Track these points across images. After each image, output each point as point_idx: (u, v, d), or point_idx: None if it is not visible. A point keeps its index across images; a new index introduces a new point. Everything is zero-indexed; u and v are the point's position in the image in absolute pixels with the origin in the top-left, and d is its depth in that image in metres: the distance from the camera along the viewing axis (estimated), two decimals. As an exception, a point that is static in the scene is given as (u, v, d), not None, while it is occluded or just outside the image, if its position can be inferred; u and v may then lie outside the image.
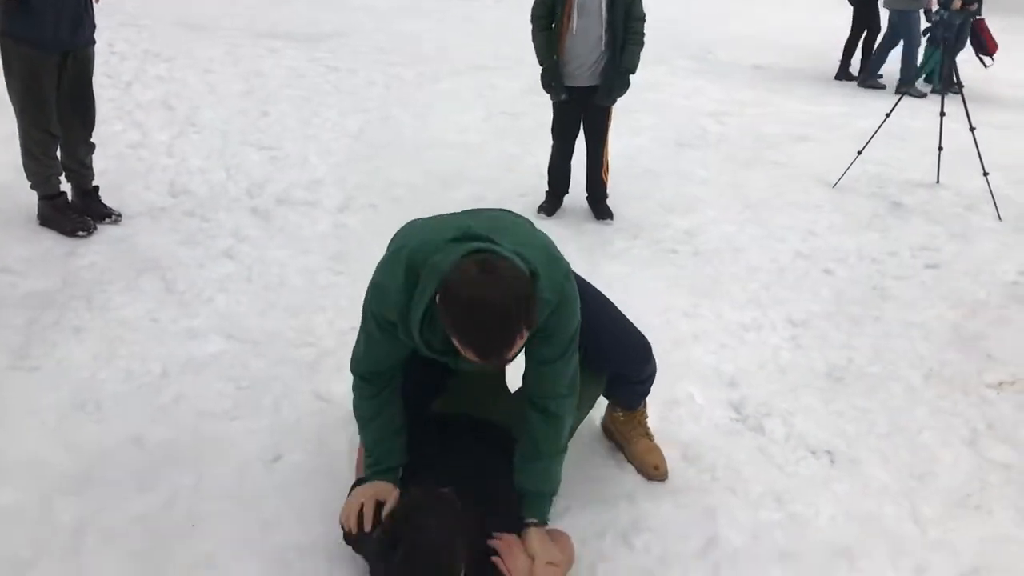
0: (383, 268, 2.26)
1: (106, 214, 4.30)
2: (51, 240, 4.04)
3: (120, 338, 3.31)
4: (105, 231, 4.21)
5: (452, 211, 2.50)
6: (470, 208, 2.61)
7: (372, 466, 2.41)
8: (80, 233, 4.10)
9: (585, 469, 2.54)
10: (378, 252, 4.31)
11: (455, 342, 2.01)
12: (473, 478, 2.31)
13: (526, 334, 2.02)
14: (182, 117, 5.92)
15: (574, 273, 2.37)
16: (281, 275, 4.00)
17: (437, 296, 2.04)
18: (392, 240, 2.34)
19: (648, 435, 2.92)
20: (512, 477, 2.39)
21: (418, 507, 2.13)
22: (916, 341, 3.86)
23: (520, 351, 2.09)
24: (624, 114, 7.01)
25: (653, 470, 2.83)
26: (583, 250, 4.53)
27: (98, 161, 4.93)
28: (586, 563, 2.47)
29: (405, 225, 2.36)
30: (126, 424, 2.86)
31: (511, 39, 8.80)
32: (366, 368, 2.39)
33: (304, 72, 7.35)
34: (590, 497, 2.69)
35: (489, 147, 6.03)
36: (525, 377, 2.37)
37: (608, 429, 2.98)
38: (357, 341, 2.41)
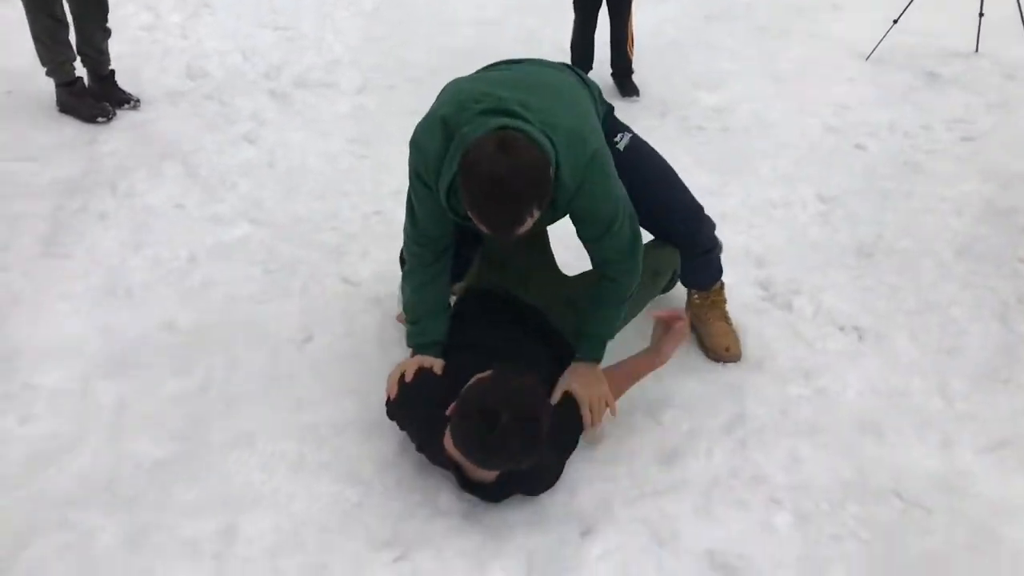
0: (422, 128, 2.27)
1: (124, 99, 4.23)
2: (72, 128, 4.00)
3: (146, 224, 3.32)
4: (125, 117, 4.17)
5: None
6: (509, 60, 2.57)
7: (417, 337, 2.44)
8: (100, 119, 4.05)
9: (615, 353, 2.56)
10: (397, 134, 4.26)
11: (469, 214, 2.08)
12: (512, 359, 2.32)
13: (536, 214, 2.07)
14: (195, -2, 5.75)
15: (633, 136, 2.55)
16: (303, 159, 3.96)
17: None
18: (437, 96, 2.35)
19: (726, 318, 2.92)
20: (548, 364, 2.42)
21: (505, 378, 2.13)
22: (948, 216, 3.79)
23: (532, 227, 2.11)
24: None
25: (724, 351, 2.85)
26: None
27: (113, 45, 4.85)
28: (614, 438, 2.51)
29: (449, 84, 2.35)
30: (158, 309, 2.90)
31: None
32: (419, 234, 2.41)
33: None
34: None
35: (508, 23, 5.83)
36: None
37: (689, 317, 2.92)
38: (407, 209, 2.40)
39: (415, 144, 2.28)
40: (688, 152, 4.30)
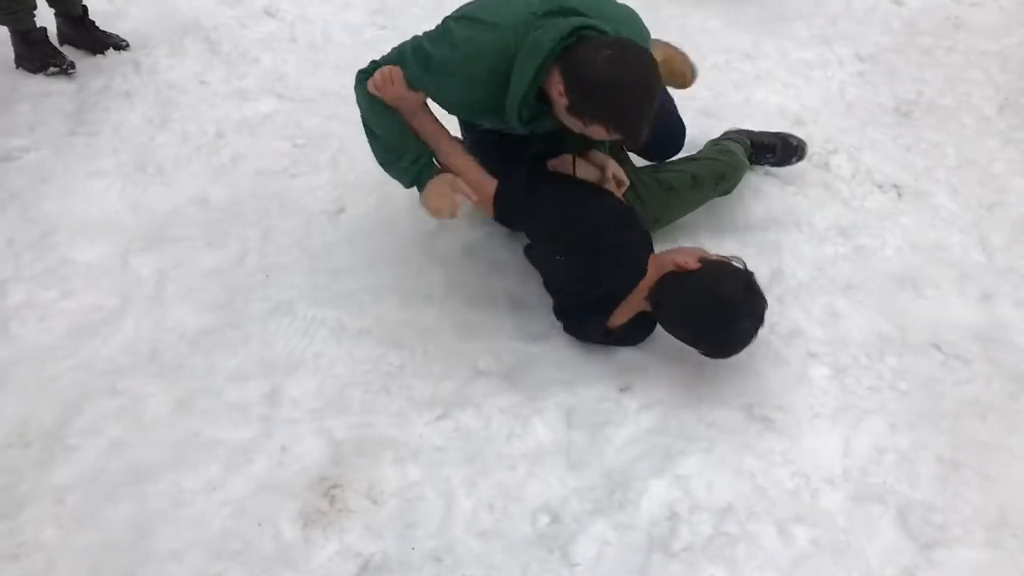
0: (449, 54, 2.13)
1: (109, 43, 3.55)
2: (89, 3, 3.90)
3: (172, 101, 3.28)
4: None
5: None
6: None
7: (416, 163, 2.34)
8: (52, 70, 3.35)
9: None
10: (423, 2, 4.16)
11: (590, 124, 2.02)
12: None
13: None
14: None
15: None
16: (325, 32, 3.86)
17: (555, 78, 2.01)
18: (457, 13, 2.21)
19: None
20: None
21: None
22: (991, 71, 3.67)
23: None
24: None
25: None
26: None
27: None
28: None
29: None
30: (189, 184, 2.89)
31: None
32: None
33: None
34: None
35: None
36: None
37: None
38: (419, 54, 2.21)
39: (440, 66, 2.15)
40: (722, 12, 4.16)
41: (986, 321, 2.49)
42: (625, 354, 2.36)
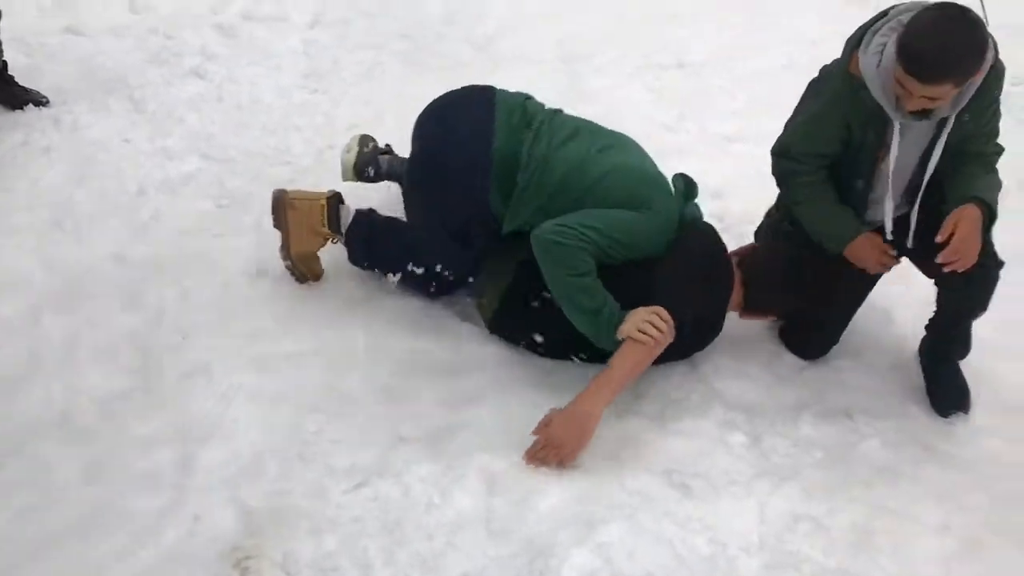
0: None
1: (29, 99, 3.47)
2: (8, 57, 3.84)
3: (92, 158, 3.22)
4: (67, 46, 4.00)
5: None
6: None
7: (613, 310, 2.36)
8: None
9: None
10: (352, 68, 4.20)
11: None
12: None
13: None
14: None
15: None
16: (253, 93, 3.86)
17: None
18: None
19: None
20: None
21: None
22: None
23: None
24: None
25: None
26: (562, 63, 4.41)
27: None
28: (568, 366, 2.52)
29: None
30: (106, 242, 2.83)
31: None
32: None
33: None
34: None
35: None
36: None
37: None
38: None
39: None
40: (647, 88, 4.29)
41: (896, 388, 2.57)
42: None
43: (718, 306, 2.51)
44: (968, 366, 2.64)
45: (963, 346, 2.61)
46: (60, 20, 4.18)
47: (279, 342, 2.53)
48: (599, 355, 2.36)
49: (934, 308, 2.55)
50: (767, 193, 3.48)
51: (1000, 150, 2.38)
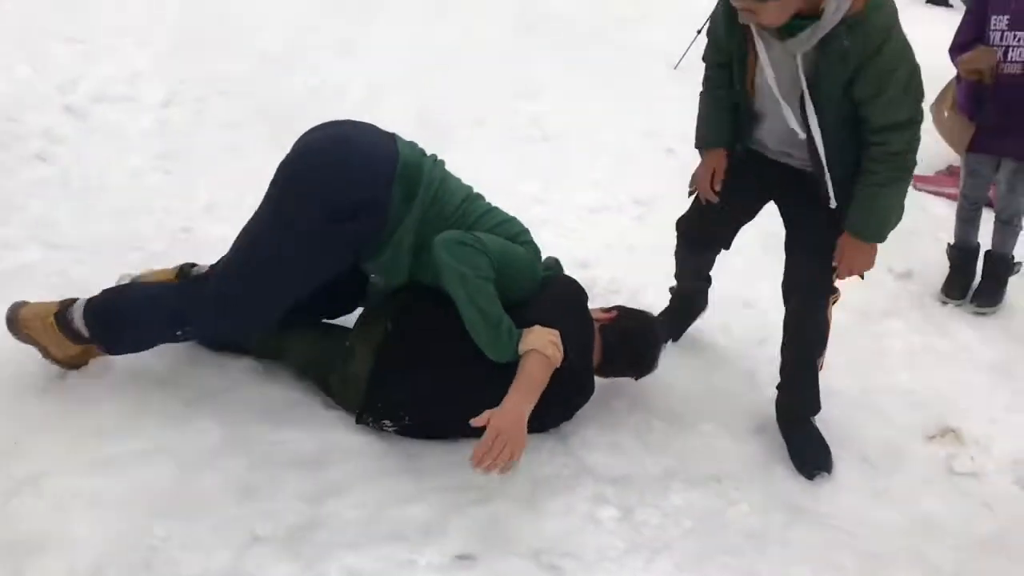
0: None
1: None
2: None
3: (-84, 253, 2.99)
4: None
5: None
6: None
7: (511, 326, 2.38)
8: None
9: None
10: (208, 148, 4.08)
11: None
12: None
13: None
14: (-21, 9, 5.30)
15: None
16: (102, 177, 3.69)
17: None
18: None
19: None
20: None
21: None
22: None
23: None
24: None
25: None
26: (424, 138, 4.41)
27: None
28: (430, 444, 2.46)
29: None
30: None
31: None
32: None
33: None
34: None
35: (325, 29, 5.70)
36: None
37: None
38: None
39: None
40: (510, 161, 4.34)
41: (761, 452, 2.60)
42: (415, 510, 2.27)
43: (587, 349, 2.51)
44: (829, 423, 2.71)
45: (812, 401, 2.69)
46: None
47: (123, 440, 2.34)
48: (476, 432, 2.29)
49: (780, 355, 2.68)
50: (633, 260, 3.58)
51: (904, 146, 2.31)
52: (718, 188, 2.69)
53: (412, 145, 2.53)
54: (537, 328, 2.33)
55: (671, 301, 3.19)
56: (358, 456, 2.39)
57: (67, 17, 5.34)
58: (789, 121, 2.40)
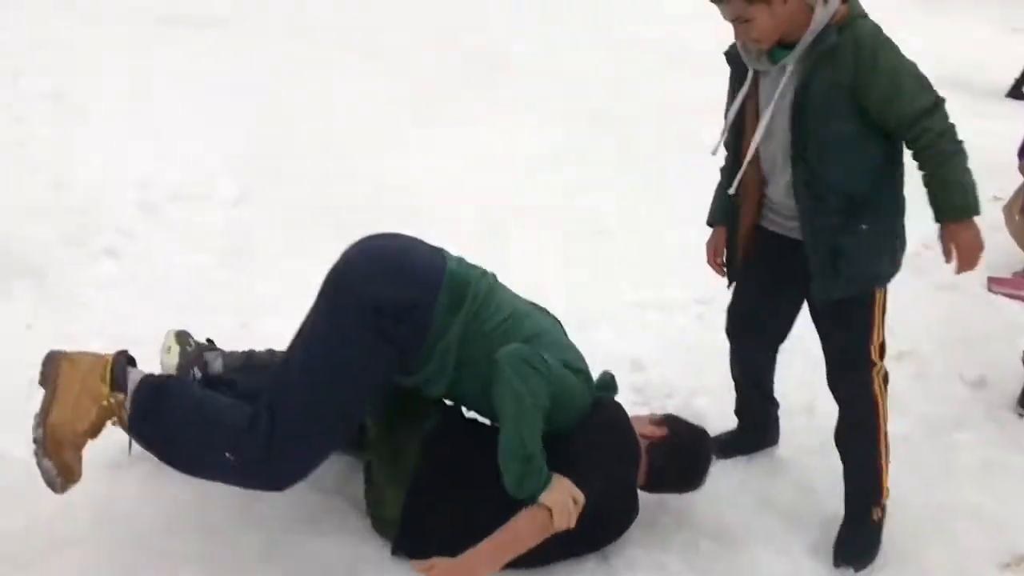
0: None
1: None
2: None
3: (-15, 348, 3.11)
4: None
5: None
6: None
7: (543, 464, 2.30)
8: None
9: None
10: (273, 246, 4.18)
11: None
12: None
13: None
14: (69, 108, 5.61)
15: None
16: (169, 273, 3.82)
17: None
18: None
19: None
20: None
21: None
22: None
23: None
24: (517, 91, 6.93)
25: None
26: (483, 234, 4.46)
27: (-27, 158, 4.68)
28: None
29: None
30: (-12, 440, 2.67)
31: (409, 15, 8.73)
32: None
33: (200, 57, 7.05)
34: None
35: (390, 130, 5.86)
36: None
37: None
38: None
39: None
40: (566, 255, 4.33)
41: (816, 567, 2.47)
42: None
43: (629, 485, 2.43)
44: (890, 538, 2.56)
45: (872, 490, 2.58)
46: (-25, 204, 4.15)
47: (156, 544, 2.35)
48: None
49: None
50: (688, 362, 3.49)
51: (944, 125, 2.26)
52: (720, 261, 2.78)
53: (460, 260, 2.51)
54: (565, 484, 2.24)
55: (738, 424, 3.06)
56: (389, 571, 2.34)
57: (148, 117, 5.63)
58: (776, 155, 2.43)
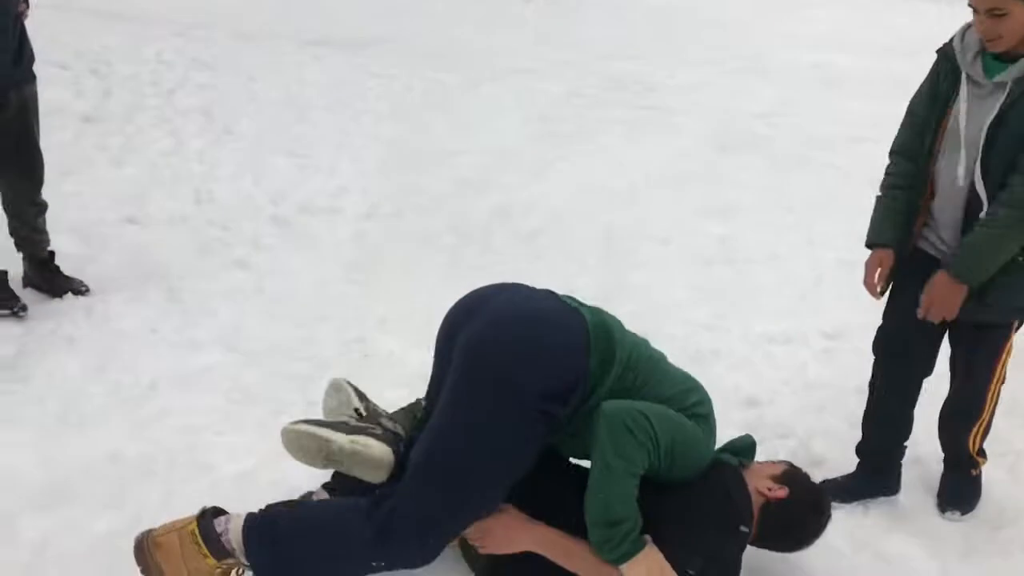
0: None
1: (70, 288, 3.58)
2: (62, 243, 3.98)
3: (113, 349, 3.26)
4: (123, 235, 4.18)
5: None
6: None
7: (633, 531, 2.13)
8: (2, 312, 3.38)
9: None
10: (395, 260, 4.23)
11: None
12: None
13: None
14: (219, 125, 5.92)
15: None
16: (293, 285, 3.92)
17: None
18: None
19: None
20: None
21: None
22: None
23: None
24: (665, 115, 6.86)
25: None
26: (606, 257, 4.38)
27: (128, 168, 4.99)
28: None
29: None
30: (106, 438, 2.78)
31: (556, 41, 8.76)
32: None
33: (345, 78, 7.31)
34: None
35: (524, 152, 5.89)
36: None
37: None
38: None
39: None
40: (691, 283, 4.18)
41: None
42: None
43: (732, 565, 2.25)
44: None
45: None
46: (124, 210, 4.40)
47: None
48: None
49: None
50: (809, 401, 3.29)
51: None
52: (881, 287, 2.67)
53: (592, 309, 2.34)
54: (657, 559, 2.10)
55: (859, 465, 2.87)
56: None
57: (293, 135, 5.86)
58: (958, 166, 2.39)
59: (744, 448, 2.41)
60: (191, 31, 8.23)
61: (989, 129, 2.30)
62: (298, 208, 4.76)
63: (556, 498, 2.25)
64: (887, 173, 2.65)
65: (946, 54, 2.46)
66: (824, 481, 2.75)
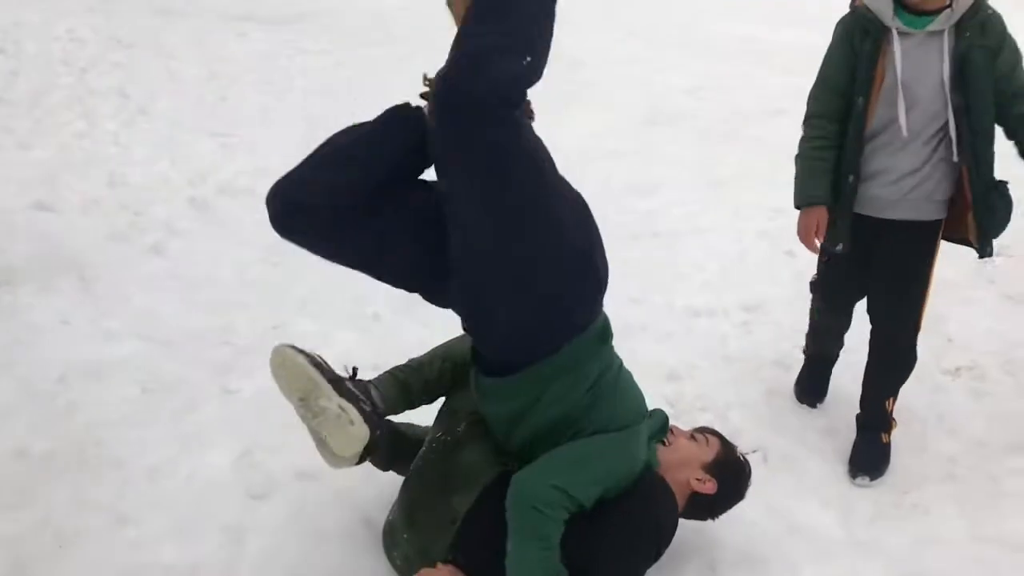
0: None
1: None
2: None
3: (22, 342, 3.14)
4: (32, 222, 4.03)
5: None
6: None
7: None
8: None
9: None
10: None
11: None
12: None
13: None
14: (135, 106, 5.73)
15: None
16: (210, 271, 3.83)
17: None
18: None
19: None
20: None
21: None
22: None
23: None
24: (592, 89, 6.83)
25: None
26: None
27: (37, 151, 4.82)
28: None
29: None
30: (10, 436, 2.69)
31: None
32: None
33: (270, 55, 7.15)
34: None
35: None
36: None
37: None
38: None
39: None
40: (615, 259, 4.17)
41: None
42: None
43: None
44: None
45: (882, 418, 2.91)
46: (33, 195, 4.24)
47: (169, 552, 2.33)
48: None
49: None
50: (728, 373, 3.34)
51: None
52: (820, 242, 2.78)
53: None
54: None
55: (805, 366, 3.23)
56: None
57: (214, 114, 5.72)
58: (901, 116, 2.54)
59: (658, 429, 2.43)
60: (107, 6, 7.94)
61: (953, 72, 2.50)
62: (217, 189, 4.64)
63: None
64: (809, 137, 2.75)
65: (859, 15, 2.60)
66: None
